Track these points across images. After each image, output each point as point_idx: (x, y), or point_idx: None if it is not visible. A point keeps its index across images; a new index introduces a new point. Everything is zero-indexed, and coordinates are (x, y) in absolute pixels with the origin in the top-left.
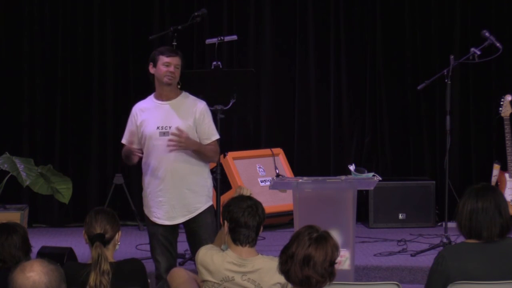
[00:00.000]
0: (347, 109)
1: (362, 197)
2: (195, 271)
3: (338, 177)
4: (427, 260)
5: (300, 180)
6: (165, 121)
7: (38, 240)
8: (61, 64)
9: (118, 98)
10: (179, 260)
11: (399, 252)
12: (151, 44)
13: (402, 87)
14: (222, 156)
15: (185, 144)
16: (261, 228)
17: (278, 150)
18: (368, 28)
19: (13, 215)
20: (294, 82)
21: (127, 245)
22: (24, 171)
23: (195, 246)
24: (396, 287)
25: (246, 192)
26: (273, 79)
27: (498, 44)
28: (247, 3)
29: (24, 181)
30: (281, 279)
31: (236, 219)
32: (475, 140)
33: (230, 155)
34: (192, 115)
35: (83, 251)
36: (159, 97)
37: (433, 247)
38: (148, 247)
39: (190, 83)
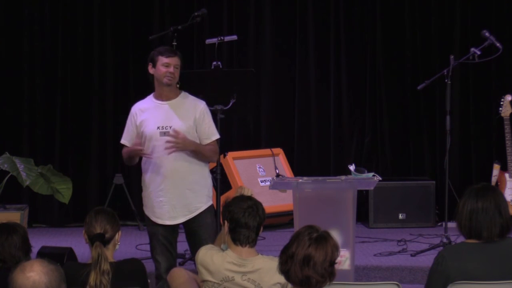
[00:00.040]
0: (347, 109)
1: (362, 197)
2: (195, 271)
3: (338, 177)
4: (427, 260)
5: (300, 180)
6: (166, 121)
7: (38, 240)
8: (61, 64)
9: (118, 98)
10: (179, 260)
11: (399, 252)
12: (151, 44)
13: (402, 87)
14: (222, 156)
15: (182, 145)
16: (261, 228)
17: (278, 150)
18: (368, 28)
19: (13, 215)
20: (294, 82)
21: (127, 245)
22: (24, 171)
23: (195, 246)
24: (396, 287)
25: (247, 192)
26: (273, 79)
27: (498, 44)
28: (247, 3)
29: (24, 181)
30: (281, 279)
31: (237, 219)
32: (475, 140)
33: (230, 155)
34: (193, 115)
35: (83, 251)
36: (159, 97)
37: (433, 247)
38: (148, 247)
39: (190, 83)
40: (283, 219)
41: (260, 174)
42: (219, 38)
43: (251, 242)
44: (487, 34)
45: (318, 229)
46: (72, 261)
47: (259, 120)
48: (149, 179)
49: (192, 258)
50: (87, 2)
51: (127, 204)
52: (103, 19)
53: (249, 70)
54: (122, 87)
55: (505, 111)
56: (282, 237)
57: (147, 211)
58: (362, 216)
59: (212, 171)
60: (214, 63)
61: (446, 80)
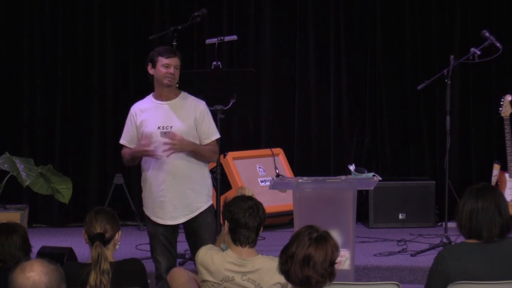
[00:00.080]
0: (347, 109)
1: (362, 197)
2: (195, 271)
3: (338, 177)
4: (427, 260)
5: (300, 180)
6: (166, 121)
7: (38, 240)
8: (61, 64)
9: (118, 98)
10: (179, 260)
11: (399, 252)
12: (151, 44)
13: (402, 87)
14: (222, 156)
15: (180, 147)
16: (261, 228)
17: (278, 150)
18: (368, 28)
19: (13, 215)
20: (294, 82)
21: (127, 245)
22: (24, 171)
23: (195, 246)
24: (396, 287)
25: (247, 193)
26: (273, 79)
27: (498, 44)
28: (247, 3)
29: (24, 181)
30: (281, 279)
31: (237, 219)
32: (475, 140)
33: (230, 155)
34: (193, 115)
35: (83, 251)
36: (159, 97)
37: (433, 247)
38: (148, 247)
39: (190, 83)
40: (283, 219)
41: (260, 174)
42: (219, 38)
43: (251, 242)
44: (487, 34)
45: (318, 229)
46: (72, 261)
47: (259, 120)
48: (149, 179)
49: (192, 258)
50: (87, 2)
51: (127, 204)
52: (103, 19)
53: (249, 70)
54: (122, 87)
55: (505, 111)
56: (282, 237)
57: (148, 211)
58: (362, 216)
59: (212, 171)
60: (214, 63)
61: (446, 80)
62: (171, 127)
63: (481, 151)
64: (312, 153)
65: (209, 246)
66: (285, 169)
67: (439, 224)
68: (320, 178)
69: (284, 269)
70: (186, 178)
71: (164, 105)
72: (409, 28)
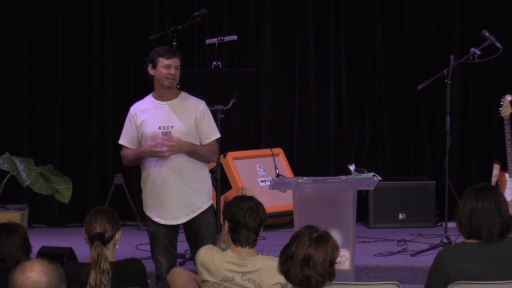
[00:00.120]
0: (347, 109)
1: (362, 197)
2: (195, 271)
3: (338, 177)
4: (427, 260)
5: (300, 180)
6: (167, 121)
7: (38, 240)
8: (61, 64)
9: (118, 98)
10: (179, 260)
11: (399, 252)
12: (151, 44)
13: (402, 87)
14: (222, 156)
15: (177, 148)
16: (262, 228)
17: (278, 150)
18: (368, 28)
19: (13, 215)
20: (294, 82)
21: (127, 245)
22: (24, 171)
23: (196, 246)
24: (396, 287)
25: (248, 193)
26: (273, 79)
27: (498, 44)
28: (247, 3)
29: (24, 181)
30: (281, 279)
31: (237, 220)
32: (475, 140)
33: (230, 155)
34: (193, 115)
35: (83, 251)
36: (159, 98)
37: (433, 247)
38: (148, 247)
39: (190, 83)
40: (283, 219)
41: (260, 174)
42: (219, 38)
43: (251, 243)
44: (487, 34)
45: (318, 229)
46: (72, 261)
47: (259, 120)
48: (150, 179)
49: (192, 258)
50: (87, 2)
51: (127, 204)
52: (103, 19)
53: (249, 70)
54: (122, 87)
55: (505, 111)
56: (282, 237)
57: (148, 211)
58: (362, 216)
59: (212, 171)
60: (214, 63)
61: (446, 80)
62: (172, 127)
63: (481, 151)
64: (312, 153)
65: (209, 246)
66: (285, 169)
67: (439, 224)
68: (320, 178)
69: (284, 269)
70: (187, 178)
71: (164, 105)
72: (409, 28)
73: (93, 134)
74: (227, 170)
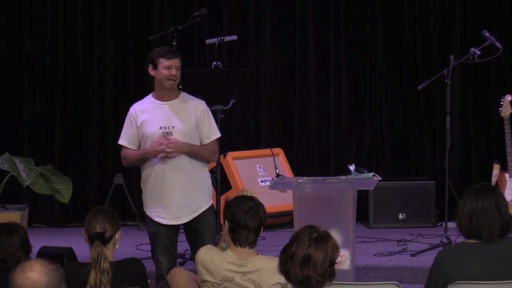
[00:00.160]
0: (347, 109)
1: (362, 197)
2: (195, 271)
3: (338, 177)
4: (427, 260)
5: (300, 180)
6: (168, 121)
7: (38, 240)
8: (61, 64)
9: (118, 98)
10: (179, 260)
11: (399, 252)
12: (151, 44)
13: (402, 87)
14: (222, 156)
15: (175, 149)
16: (262, 229)
17: (278, 150)
18: (368, 28)
19: (13, 215)
20: (294, 82)
21: (127, 245)
22: (24, 171)
23: (196, 246)
24: (396, 287)
25: (248, 194)
26: (273, 79)
27: (498, 44)
28: (247, 3)
29: (24, 181)
30: (281, 279)
31: (237, 220)
32: (475, 140)
33: (230, 155)
34: (194, 115)
35: (83, 251)
36: (159, 98)
37: (433, 247)
38: (148, 247)
39: (190, 83)
40: (283, 219)
41: (260, 174)
42: (219, 38)
43: (251, 243)
44: (487, 34)
45: (318, 229)
46: (72, 261)
47: (259, 120)
48: (150, 179)
49: (192, 258)
50: (87, 2)
51: (127, 204)
52: (103, 19)
53: (249, 70)
54: (122, 87)
55: (505, 111)
56: (282, 237)
57: (149, 212)
58: (362, 216)
59: (212, 171)
60: (214, 63)
61: (446, 80)
62: (173, 127)
63: (481, 151)
64: (312, 153)
65: (209, 246)
66: (285, 169)
67: (439, 224)
68: (320, 178)
69: (284, 269)
70: (187, 178)
71: (164, 106)
72: (409, 28)
73: (93, 134)
74: (227, 170)
